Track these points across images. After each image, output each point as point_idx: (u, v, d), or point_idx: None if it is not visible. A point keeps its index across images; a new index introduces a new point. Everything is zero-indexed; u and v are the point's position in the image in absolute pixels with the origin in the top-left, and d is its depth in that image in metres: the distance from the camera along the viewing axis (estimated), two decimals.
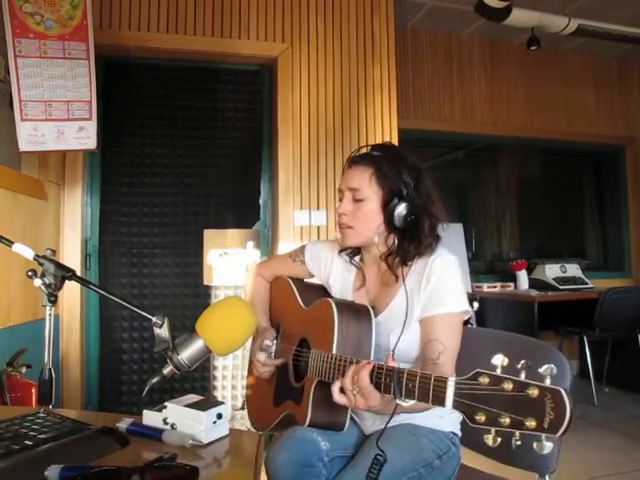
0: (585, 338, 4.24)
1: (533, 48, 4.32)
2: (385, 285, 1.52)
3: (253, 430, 1.80)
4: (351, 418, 1.42)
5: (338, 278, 1.65)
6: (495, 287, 4.81)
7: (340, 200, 1.54)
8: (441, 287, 1.41)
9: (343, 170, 1.57)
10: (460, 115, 4.88)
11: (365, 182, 1.47)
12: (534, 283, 4.70)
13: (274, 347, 1.63)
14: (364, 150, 1.56)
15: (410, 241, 1.46)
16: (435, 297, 1.41)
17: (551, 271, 4.73)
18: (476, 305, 3.95)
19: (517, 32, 4.54)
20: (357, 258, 1.63)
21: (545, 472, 1.45)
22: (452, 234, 4.46)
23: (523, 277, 4.75)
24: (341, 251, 1.63)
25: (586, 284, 4.73)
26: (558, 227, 5.51)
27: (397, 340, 1.36)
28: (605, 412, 4.00)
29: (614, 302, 4.14)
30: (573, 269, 4.84)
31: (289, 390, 1.55)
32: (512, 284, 4.83)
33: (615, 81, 5.46)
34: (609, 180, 5.66)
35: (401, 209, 1.44)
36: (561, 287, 4.56)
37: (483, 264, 5.22)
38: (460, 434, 1.53)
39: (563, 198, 5.57)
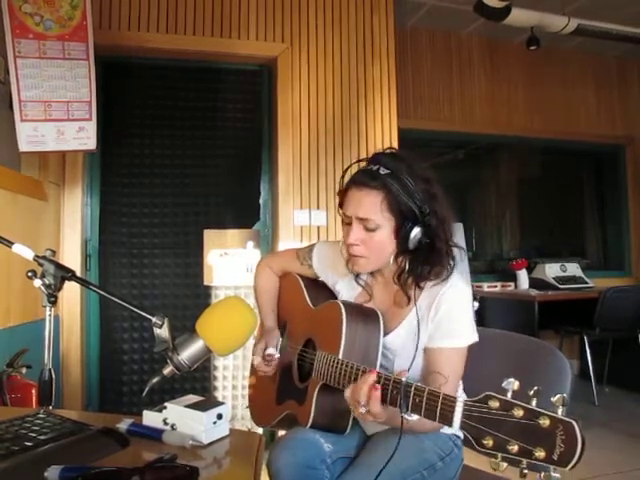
0: (585, 337, 4.23)
1: (533, 48, 4.32)
2: (397, 306, 1.45)
3: (254, 431, 1.80)
4: (353, 419, 1.42)
5: (344, 288, 1.59)
6: (495, 286, 4.81)
7: (347, 224, 1.42)
8: (450, 319, 1.36)
9: (344, 188, 1.43)
10: (460, 115, 4.88)
11: (377, 210, 1.34)
12: (534, 282, 4.70)
13: (278, 356, 1.60)
14: (364, 163, 1.43)
15: (424, 263, 1.38)
16: (443, 329, 1.36)
17: (551, 270, 4.73)
18: (476, 305, 3.95)
19: (517, 32, 4.54)
20: (363, 276, 1.55)
21: (547, 472, 1.45)
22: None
23: (523, 276, 4.75)
24: (348, 262, 1.54)
25: (586, 283, 4.72)
26: (558, 226, 5.51)
27: (411, 363, 1.34)
28: (606, 412, 4.00)
29: (614, 301, 4.13)
30: (573, 268, 4.84)
31: (292, 390, 1.54)
32: (512, 283, 4.83)
33: (615, 81, 5.46)
34: (609, 179, 5.66)
35: (415, 233, 1.34)
36: (561, 286, 4.56)
37: (483, 263, 5.22)
38: (462, 436, 1.52)
39: (563, 197, 5.57)
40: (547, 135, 5.14)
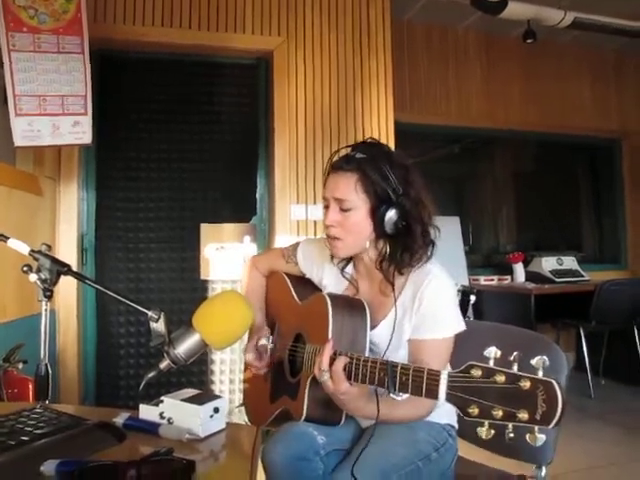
0: (581, 330, 4.25)
1: (529, 41, 4.32)
2: (382, 295, 1.47)
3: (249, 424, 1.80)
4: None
5: (330, 283, 1.60)
6: (492, 280, 4.82)
7: (325, 208, 1.46)
8: (434, 311, 1.37)
9: (326, 174, 1.48)
10: (456, 108, 4.87)
11: (351, 191, 1.39)
12: (531, 276, 4.71)
13: (271, 346, 1.61)
14: (344, 151, 1.48)
15: (403, 248, 1.40)
16: (427, 321, 1.37)
17: (547, 264, 4.74)
18: (473, 298, 3.96)
19: (513, 25, 4.53)
20: (349, 268, 1.57)
21: (542, 463, 1.46)
22: (449, 227, 4.47)
23: (520, 270, 4.76)
24: (332, 257, 1.57)
25: (582, 277, 4.74)
26: (554, 220, 5.51)
27: (387, 346, 1.38)
28: (602, 404, 4.02)
29: (610, 294, 4.15)
30: (569, 262, 4.85)
31: (285, 386, 1.54)
32: (509, 277, 4.83)
33: (611, 74, 5.45)
34: (605, 173, 5.66)
35: (391, 215, 1.37)
36: (557, 280, 4.57)
37: (480, 257, 5.23)
38: (457, 426, 1.53)
39: (559, 191, 5.57)
40: (543, 129, 5.14)
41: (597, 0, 4.21)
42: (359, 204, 1.39)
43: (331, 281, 1.60)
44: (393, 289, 1.42)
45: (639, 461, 3.00)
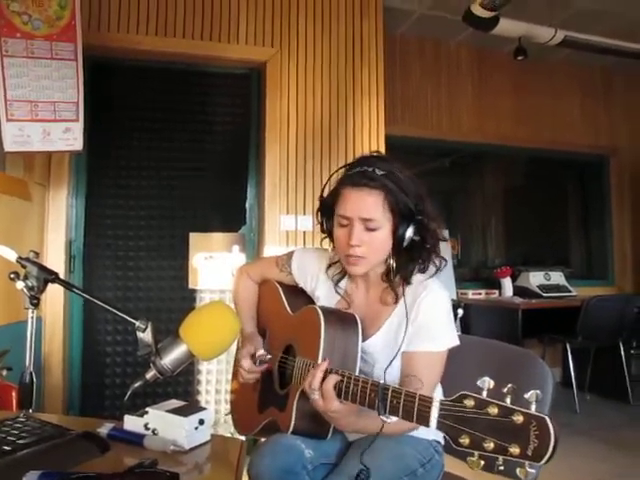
0: (568, 346, 4.27)
1: (520, 58, 4.36)
2: (381, 303, 1.46)
3: (236, 436, 1.79)
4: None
5: (323, 295, 1.59)
6: (480, 294, 4.83)
7: (343, 227, 1.41)
8: (429, 323, 1.37)
9: (338, 190, 1.42)
10: (447, 122, 4.91)
11: (378, 210, 1.35)
12: (518, 290, 4.73)
13: (268, 357, 1.58)
14: (349, 167, 1.44)
15: (412, 260, 1.41)
16: (422, 333, 1.37)
17: (535, 279, 4.76)
18: (461, 312, 3.97)
19: (504, 42, 4.58)
20: (343, 283, 1.56)
21: (522, 467, 1.46)
22: None
23: (507, 284, 4.77)
24: (329, 267, 1.57)
25: (570, 292, 4.76)
26: (543, 235, 5.55)
27: (389, 364, 1.36)
28: (587, 419, 4.03)
29: (597, 310, 4.18)
30: (557, 277, 4.88)
31: (273, 397, 1.54)
32: (496, 291, 4.85)
33: (600, 92, 5.53)
34: (593, 189, 5.72)
35: (411, 232, 1.37)
36: (545, 295, 4.60)
37: (468, 271, 5.25)
38: (443, 442, 1.53)
39: (548, 206, 5.61)
40: (533, 144, 5.19)
41: (587, 19, 4.28)
42: (384, 223, 1.37)
43: (324, 293, 1.59)
44: (397, 298, 1.42)
45: (624, 477, 3.02)
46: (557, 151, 5.34)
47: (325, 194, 1.48)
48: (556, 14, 4.23)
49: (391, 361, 1.36)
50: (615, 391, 4.46)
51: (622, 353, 4.35)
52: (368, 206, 1.36)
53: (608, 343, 4.41)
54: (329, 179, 1.48)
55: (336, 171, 1.48)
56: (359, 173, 1.39)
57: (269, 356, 1.58)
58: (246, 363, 1.57)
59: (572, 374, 4.23)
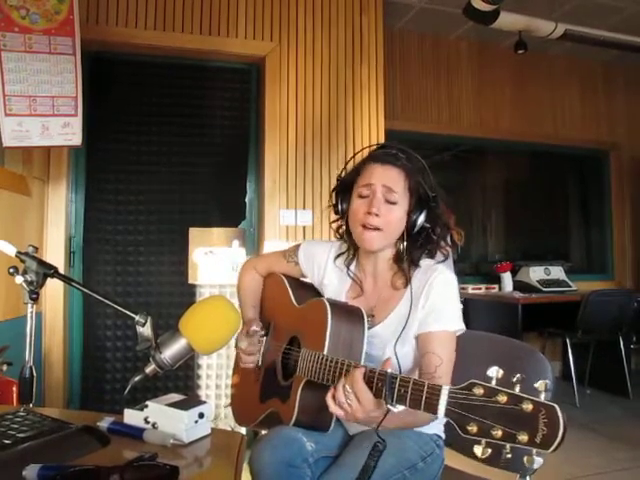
0: (568, 340, 4.28)
1: (520, 52, 4.35)
2: (393, 288, 1.48)
3: (236, 430, 1.79)
4: (336, 419, 1.42)
5: (332, 284, 1.60)
6: (480, 289, 4.84)
7: (363, 197, 1.44)
8: (440, 305, 1.39)
9: (359, 165, 1.49)
10: (447, 117, 4.91)
11: (400, 185, 1.42)
12: (518, 285, 4.73)
13: (262, 333, 1.60)
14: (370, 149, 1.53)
15: (421, 246, 1.46)
16: (433, 315, 1.39)
17: (535, 273, 4.76)
18: (460, 306, 3.97)
19: (505, 35, 4.57)
20: (353, 267, 1.57)
21: (526, 473, 1.47)
22: None
23: (507, 279, 4.77)
24: (337, 257, 1.58)
25: (569, 286, 4.76)
26: (543, 230, 5.55)
27: (394, 345, 1.37)
28: (587, 413, 4.04)
29: (597, 305, 4.18)
30: (557, 271, 4.87)
31: (276, 388, 1.53)
32: (496, 286, 4.85)
33: (600, 86, 5.52)
34: (593, 184, 5.72)
35: (423, 218, 1.42)
36: (545, 289, 4.60)
37: (468, 265, 5.24)
38: (444, 436, 1.53)
39: (548, 201, 5.60)
40: (533, 139, 5.18)
41: (588, 13, 4.26)
42: (402, 201, 1.42)
43: (333, 281, 1.60)
44: (406, 282, 1.45)
45: (623, 471, 3.02)
46: (557, 145, 5.33)
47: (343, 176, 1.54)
48: (556, 7, 4.22)
49: (400, 334, 1.38)
50: (615, 385, 4.47)
51: (622, 347, 4.35)
52: (392, 177, 1.43)
53: (608, 337, 4.40)
54: (352, 157, 1.55)
55: (359, 152, 1.55)
56: (384, 153, 1.48)
57: (262, 332, 1.60)
58: (243, 344, 1.58)
59: (572, 368, 4.23)
